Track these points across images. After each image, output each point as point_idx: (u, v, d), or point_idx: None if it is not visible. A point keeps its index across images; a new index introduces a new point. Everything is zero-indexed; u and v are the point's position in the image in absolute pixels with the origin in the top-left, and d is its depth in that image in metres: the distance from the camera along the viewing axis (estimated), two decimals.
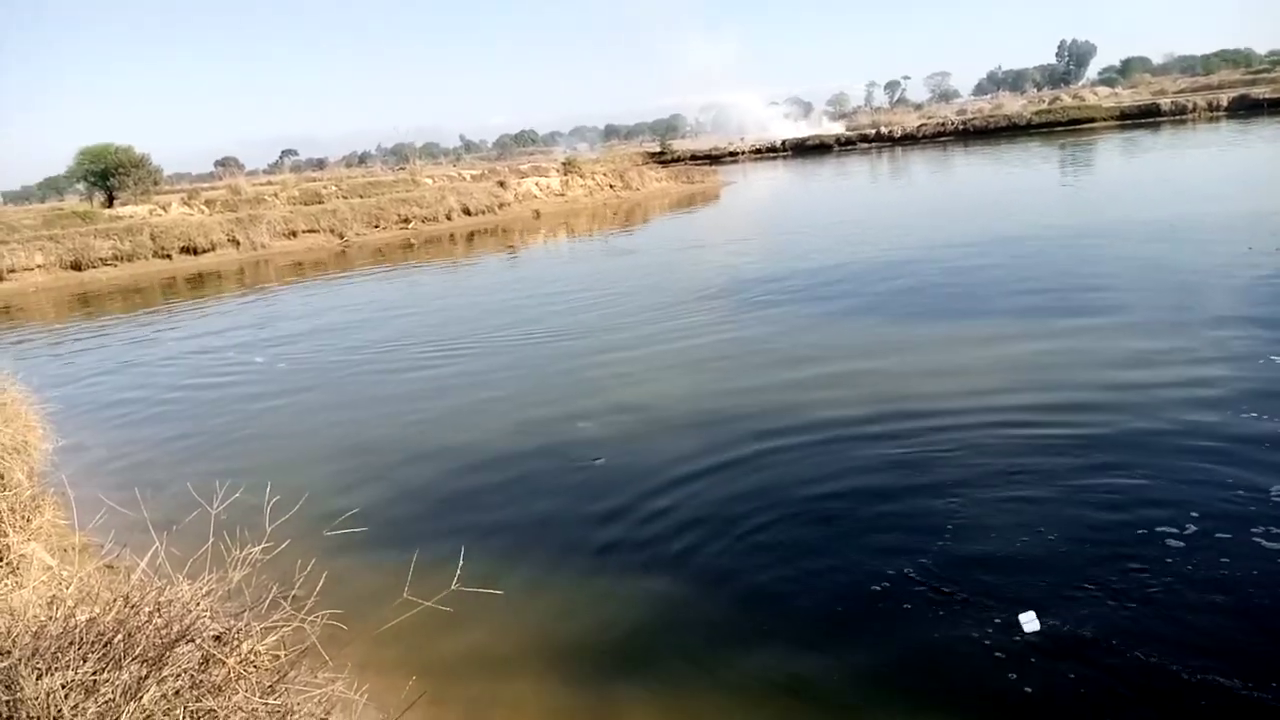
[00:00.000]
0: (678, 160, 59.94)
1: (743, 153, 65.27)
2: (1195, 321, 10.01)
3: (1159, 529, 5.55)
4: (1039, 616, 4.73)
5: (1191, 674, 4.21)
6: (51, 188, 73.63)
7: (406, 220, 33.73)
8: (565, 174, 40.86)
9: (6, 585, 4.43)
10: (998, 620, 4.77)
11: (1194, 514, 5.68)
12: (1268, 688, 4.07)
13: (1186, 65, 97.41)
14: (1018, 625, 4.69)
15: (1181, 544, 5.35)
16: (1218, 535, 5.41)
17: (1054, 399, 8.06)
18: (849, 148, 61.74)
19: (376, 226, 33.16)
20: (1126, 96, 65.56)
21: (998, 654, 4.52)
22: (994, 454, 6.95)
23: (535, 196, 38.32)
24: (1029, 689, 4.26)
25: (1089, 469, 6.52)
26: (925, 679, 4.47)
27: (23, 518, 6.27)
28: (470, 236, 31.47)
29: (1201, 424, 7.08)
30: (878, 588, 5.25)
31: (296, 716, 3.28)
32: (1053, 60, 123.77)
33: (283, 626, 3.54)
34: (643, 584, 5.70)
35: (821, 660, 4.69)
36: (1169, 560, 5.19)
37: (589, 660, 5.00)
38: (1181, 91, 62.95)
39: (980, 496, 6.27)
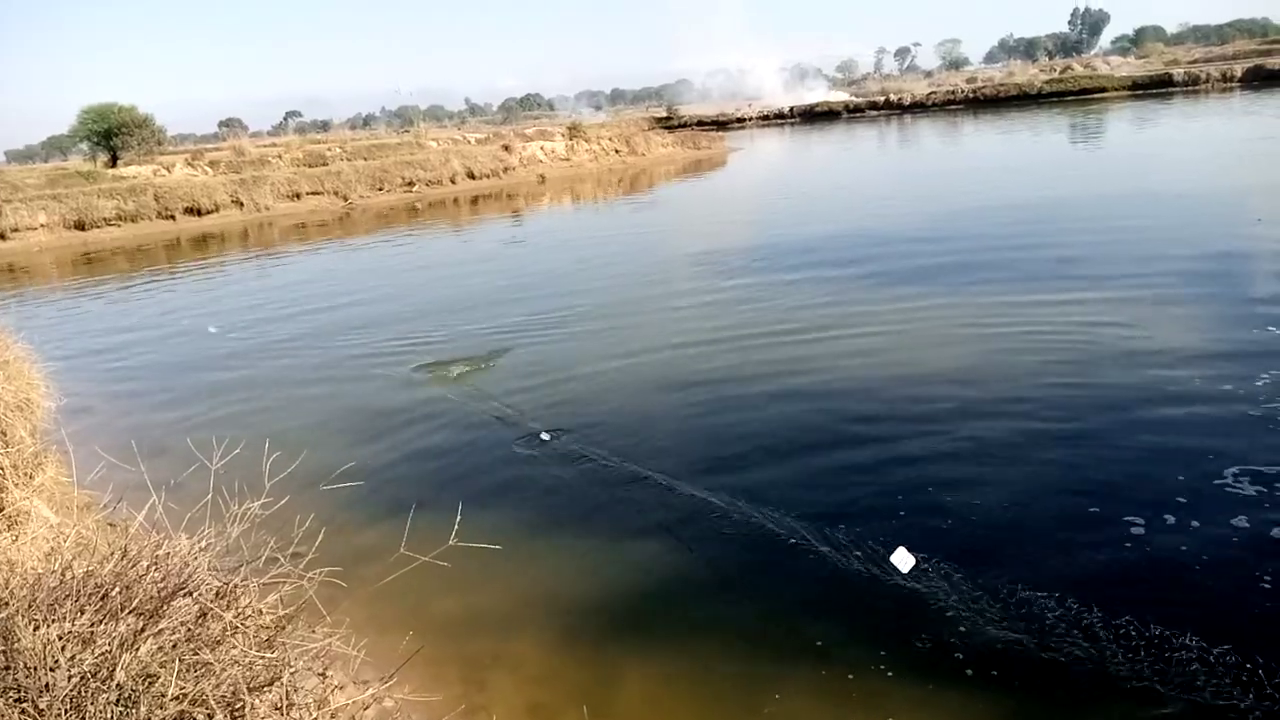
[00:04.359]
0: (684, 125, 59.44)
1: (750, 119, 64.66)
2: (1194, 292, 9.97)
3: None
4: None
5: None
6: (55, 147, 73.27)
7: (411, 183, 33.55)
8: (570, 138, 40.52)
9: (5, 539, 4.44)
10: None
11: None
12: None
13: (1201, 35, 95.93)
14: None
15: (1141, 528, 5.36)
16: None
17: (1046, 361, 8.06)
18: (857, 115, 61.16)
19: (381, 189, 33.00)
20: (1139, 66, 64.66)
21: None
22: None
23: (540, 161, 38.05)
24: None
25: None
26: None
27: (25, 474, 6.28)
28: (474, 201, 31.29)
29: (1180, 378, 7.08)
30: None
31: (293, 671, 3.29)
32: (1065, 28, 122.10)
33: (281, 583, 3.55)
34: (640, 543, 5.71)
35: (837, 627, 4.70)
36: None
37: (589, 618, 5.01)
38: (1195, 62, 61.96)
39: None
